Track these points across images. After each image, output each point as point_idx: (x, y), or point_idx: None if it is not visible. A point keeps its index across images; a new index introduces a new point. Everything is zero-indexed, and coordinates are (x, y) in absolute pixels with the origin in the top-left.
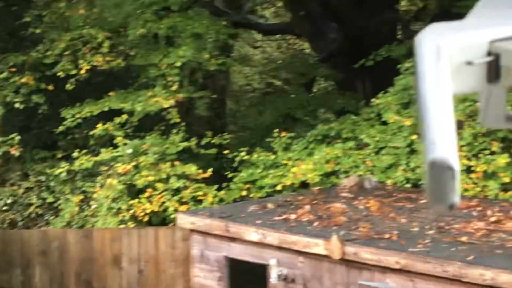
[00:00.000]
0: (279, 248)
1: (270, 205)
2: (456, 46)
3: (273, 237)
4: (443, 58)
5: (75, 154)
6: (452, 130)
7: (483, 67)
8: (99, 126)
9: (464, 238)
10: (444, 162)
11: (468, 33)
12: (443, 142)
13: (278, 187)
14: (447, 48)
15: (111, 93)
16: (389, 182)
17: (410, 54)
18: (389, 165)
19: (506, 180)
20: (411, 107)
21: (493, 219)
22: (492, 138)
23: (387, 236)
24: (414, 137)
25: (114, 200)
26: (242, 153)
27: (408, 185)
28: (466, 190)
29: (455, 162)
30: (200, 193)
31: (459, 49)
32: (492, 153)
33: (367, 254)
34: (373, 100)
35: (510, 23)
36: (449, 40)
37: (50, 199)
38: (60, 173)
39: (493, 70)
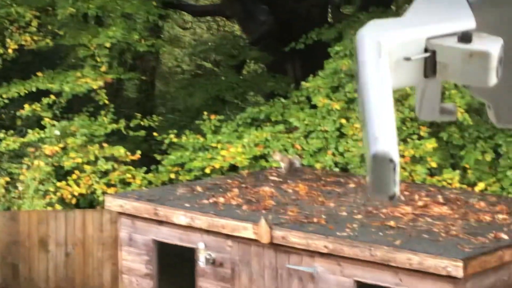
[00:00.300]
0: (208, 232)
1: (198, 188)
2: (395, 43)
3: (201, 221)
4: (383, 54)
5: (1, 135)
6: (393, 124)
7: (421, 62)
8: (26, 106)
9: (391, 223)
10: (386, 156)
11: (407, 30)
12: (384, 136)
13: (207, 170)
14: (387, 44)
15: (38, 73)
16: (318, 166)
17: (340, 37)
18: (318, 149)
19: (433, 165)
20: (340, 91)
21: (420, 203)
22: (420, 123)
23: (315, 220)
24: (343, 120)
25: (41, 182)
26: (171, 136)
27: (337, 169)
28: None
29: (396, 155)
30: (129, 175)
31: (398, 45)
32: (420, 138)
33: (295, 238)
34: (303, 83)
35: (446, 21)
36: (389, 36)
37: None
38: None
39: (430, 66)
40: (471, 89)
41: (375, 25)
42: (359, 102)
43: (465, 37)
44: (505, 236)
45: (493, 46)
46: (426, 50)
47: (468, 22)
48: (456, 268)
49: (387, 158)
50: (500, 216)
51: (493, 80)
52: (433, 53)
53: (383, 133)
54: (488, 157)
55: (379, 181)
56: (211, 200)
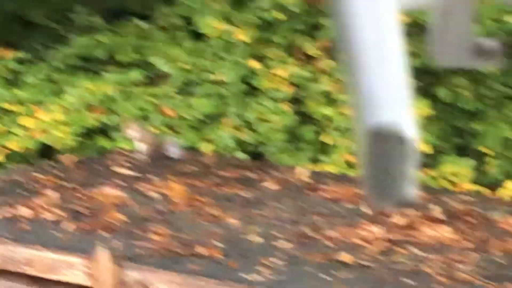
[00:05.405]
0: (1, 273)
1: None
2: None
3: None
4: None
5: None
6: (404, 80)
7: None
8: None
9: (346, 257)
10: (393, 131)
11: None
12: (391, 100)
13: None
14: None
15: None
16: (207, 148)
17: None
18: (207, 116)
19: None
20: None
21: (401, 222)
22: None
23: (204, 251)
24: (254, 64)
25: None
26: None
27: (243, 154)
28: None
29: (411, 130)
30: None
31: None
32: None
33: (164, 286)
34: None
35: None
36: None
37: None
38: None
39: None
40: None
41: None
42: (343, 47)
43: None
44: None
45: None
46: None
47: None
48: None
49: (395, 135)
50: None
51: None
52: None
53: (387, 96)
54: None
55: (381, 174)
56: (5, 214)
